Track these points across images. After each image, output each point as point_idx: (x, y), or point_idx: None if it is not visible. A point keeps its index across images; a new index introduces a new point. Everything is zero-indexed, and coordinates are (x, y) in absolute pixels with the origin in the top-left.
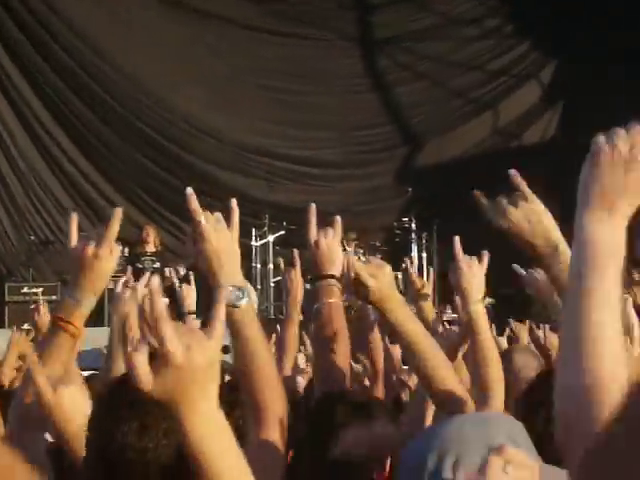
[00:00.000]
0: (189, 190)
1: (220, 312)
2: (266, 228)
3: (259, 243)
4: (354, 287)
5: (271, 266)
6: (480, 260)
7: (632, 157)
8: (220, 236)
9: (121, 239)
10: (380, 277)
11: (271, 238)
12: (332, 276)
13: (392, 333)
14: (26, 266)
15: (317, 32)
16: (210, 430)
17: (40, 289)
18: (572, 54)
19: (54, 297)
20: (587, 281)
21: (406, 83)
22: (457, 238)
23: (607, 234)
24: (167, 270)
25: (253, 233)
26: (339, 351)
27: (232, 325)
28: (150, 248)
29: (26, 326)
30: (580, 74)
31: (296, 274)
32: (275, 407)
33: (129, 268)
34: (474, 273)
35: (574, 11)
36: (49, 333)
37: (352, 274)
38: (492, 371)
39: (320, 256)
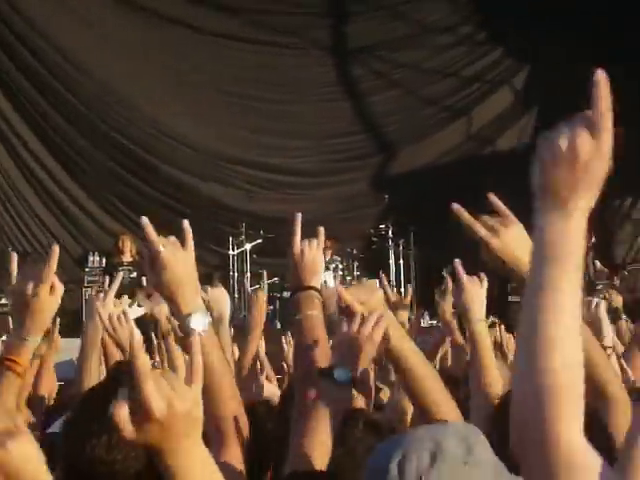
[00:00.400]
0: (144, 220)
1: (198, 361)
2: (243, 237)
3: (236, 252)
4: (344, 314)
5: (248, 275)
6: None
7: (573, 154)
8: (179, 261)
9: (98, 249)
10: (370, 302)
11: (248, 247)
12: (313, 287)
13: (386, 353)
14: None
15: (292, 41)
16: (193, 466)
17: None
18: (544, 60)
19: None
20: (544, 291)
21: (380, 91)
22: (458, 261)
23: (562, 235)
24: (144, 279)
25: (230, 242)
26: (319, 362)
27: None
28: (126, 258)
29: (4, 338)
30: (553, 79)
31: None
32: (235, 426)
33: (106, 278)
34: (477, 293)
35: (546, 17)
36: None
37: (342, 304)
38: (493, 390)
39: (303, 267)
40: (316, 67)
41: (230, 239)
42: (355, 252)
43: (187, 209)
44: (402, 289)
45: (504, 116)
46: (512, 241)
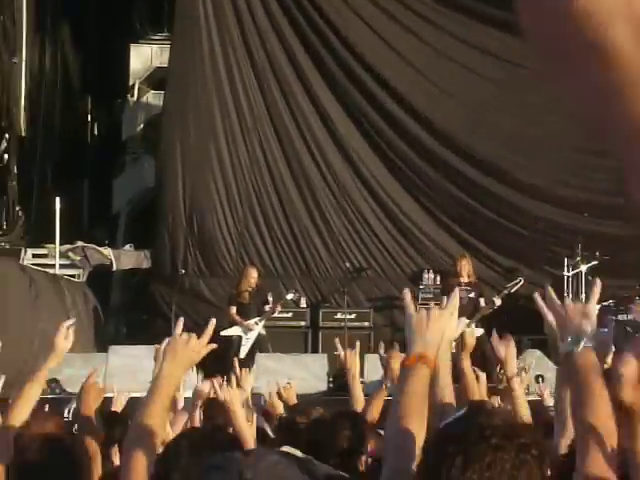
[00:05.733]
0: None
1: None
2: (579, 258)
3: (571, 273)
4: None
5: (583, 296)
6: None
7: None
8: None
9: (435, 269)
10: None
11: (584, 268)
12: None
13: None
14: (340, 292)
15: None
16: None
17: (353, 315)
18: None
19: (366, 324)
20: None
21: None
22: None
23: None
24: (482, 301)
25: (565, 263)
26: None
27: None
28: (464, 279)
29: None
30: None
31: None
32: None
33: (444, 298)
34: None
35: None
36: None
37: None
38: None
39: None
40: None
41: (565, 260)
42: None
43: (523, 230)
44: None
45: None
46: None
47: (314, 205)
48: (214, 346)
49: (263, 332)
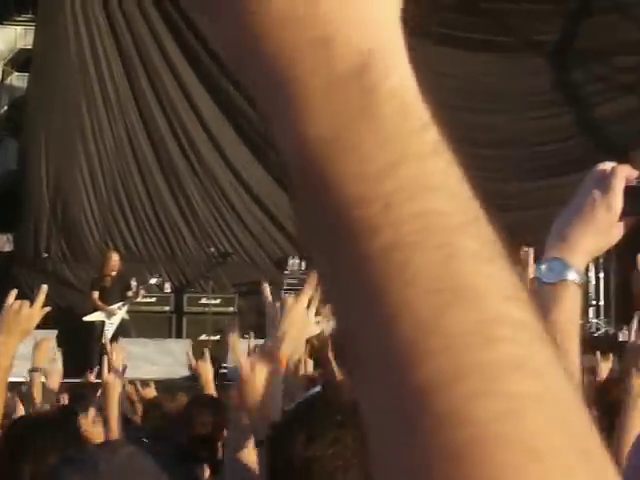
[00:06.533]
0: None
1: None
2: None
3: None
4: None
5: None
6: None
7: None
8: None
9: (301, 255)
10: None
11: None
12: None
13: None
14: (205, 277)
15: (507, 43)
16: None
17: (218, 300)
18: None
19: (230, 309)
20: None
21: (603, 97)
22: None
23: None
24: None
25: None
26: None
27: None
28: None
29: (203, 337)
30: None
31: None
32: None
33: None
34: None
35: None
36: None
37: None
38: None
39: None
40: (529, 74)
41: None
42: None
43: None
44: (602, 302)
45: None
46: None
47: (179, 189)
48: (48, 309)
49: (126, 317)
